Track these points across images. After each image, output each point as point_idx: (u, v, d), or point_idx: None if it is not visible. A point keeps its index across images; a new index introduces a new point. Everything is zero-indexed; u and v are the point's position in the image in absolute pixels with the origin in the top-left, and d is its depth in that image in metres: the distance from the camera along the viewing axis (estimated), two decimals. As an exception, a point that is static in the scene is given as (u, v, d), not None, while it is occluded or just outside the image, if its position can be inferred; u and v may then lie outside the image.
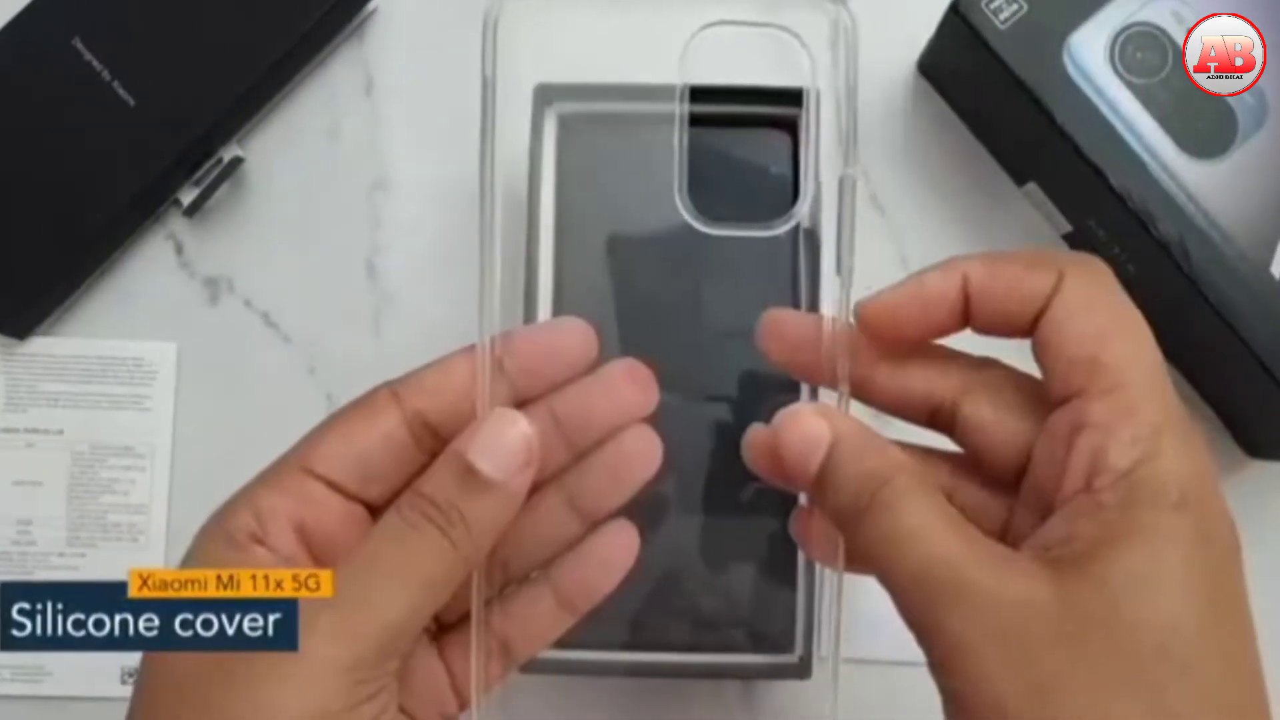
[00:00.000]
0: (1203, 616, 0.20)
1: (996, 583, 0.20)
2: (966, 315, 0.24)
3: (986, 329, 0.24)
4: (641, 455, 0.25)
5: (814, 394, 0.33)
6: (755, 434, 0.25)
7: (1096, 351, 0.21)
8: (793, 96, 0.35)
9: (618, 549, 0.25)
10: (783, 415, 0.23)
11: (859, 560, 0.23)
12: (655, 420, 0.30)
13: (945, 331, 0.24)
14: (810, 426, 0.23)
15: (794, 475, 0.23)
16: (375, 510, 0.25)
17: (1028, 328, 0.23)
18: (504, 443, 0.23)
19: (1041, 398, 0.23)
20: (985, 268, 0.23)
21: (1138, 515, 0.20)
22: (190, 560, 0.23)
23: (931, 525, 0.21)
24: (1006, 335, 0.24)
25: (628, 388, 0.25)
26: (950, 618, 0.20)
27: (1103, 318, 0.22)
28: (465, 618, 0.26)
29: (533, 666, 0.32)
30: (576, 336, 0.25)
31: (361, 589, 0.22)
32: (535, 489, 0.24)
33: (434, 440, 0.24)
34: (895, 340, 0.24)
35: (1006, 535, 0.24)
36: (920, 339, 0.25)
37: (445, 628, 0.26)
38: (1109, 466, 0.20)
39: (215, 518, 0.24)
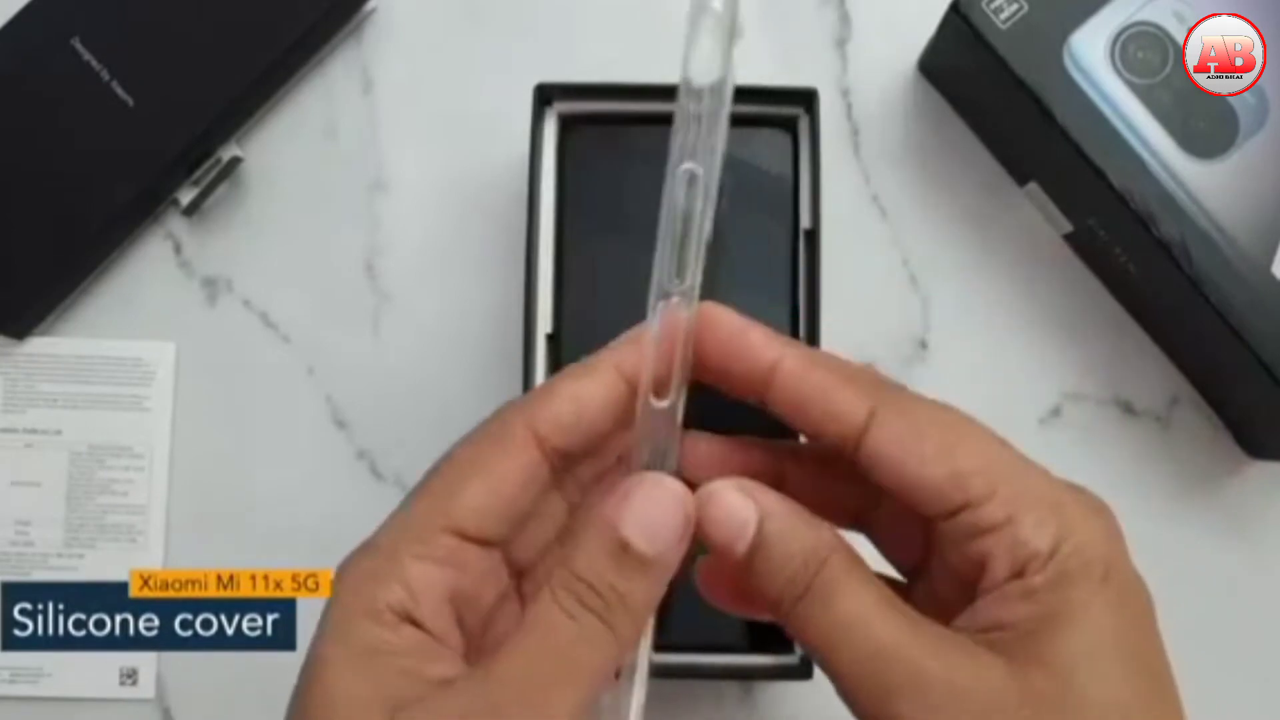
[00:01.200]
0: (1145, 690, 0.21)
1: (949, 670, 0.20)
2: (765, 387, 0.23)
3: (784, 416, 0.23)
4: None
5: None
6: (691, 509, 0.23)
7: (952, 466, 0.21)
8: (792, 97, 0.35)
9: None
10: (703, 493, 0.22)
11: (795, 637, 0.22)
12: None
13: (744, 382, 0.23)
14: (734, 505, 0.22)
15: (720, 555, 0.22)
16: (508, 552, 0.23)
17: (836, 437, 0.22)
18: (660, 516, 0.21)
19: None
20: (801, 363, 0.22)
21: (1070, 594, 0.20)
22: (334, 638, 0.21)
23: (873, 610, 0.21)
24: (812, 437, 0.23)
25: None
26: (905, 707, 0.20)
27: (939, 431, 0.22)
28: None
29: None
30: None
31: (528, 693, 0.20)
32: None
33: (565, 462, 0.23)
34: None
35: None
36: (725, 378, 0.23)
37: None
38: (1032, 553, 0.21)
39: (357, 585, 0.21)
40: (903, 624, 0.21)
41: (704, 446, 0.24)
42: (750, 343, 0.23)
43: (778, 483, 0.23)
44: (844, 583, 0.21)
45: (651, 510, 0.21)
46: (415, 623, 0.21)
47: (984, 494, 0.21)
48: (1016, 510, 0.21)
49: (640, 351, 0.23)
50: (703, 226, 0.22)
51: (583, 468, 0.24)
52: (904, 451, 0.21)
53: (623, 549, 0.21)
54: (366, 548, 0.22)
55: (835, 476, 0.24)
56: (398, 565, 0.21)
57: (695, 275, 0.22)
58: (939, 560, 0.23)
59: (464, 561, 0.21)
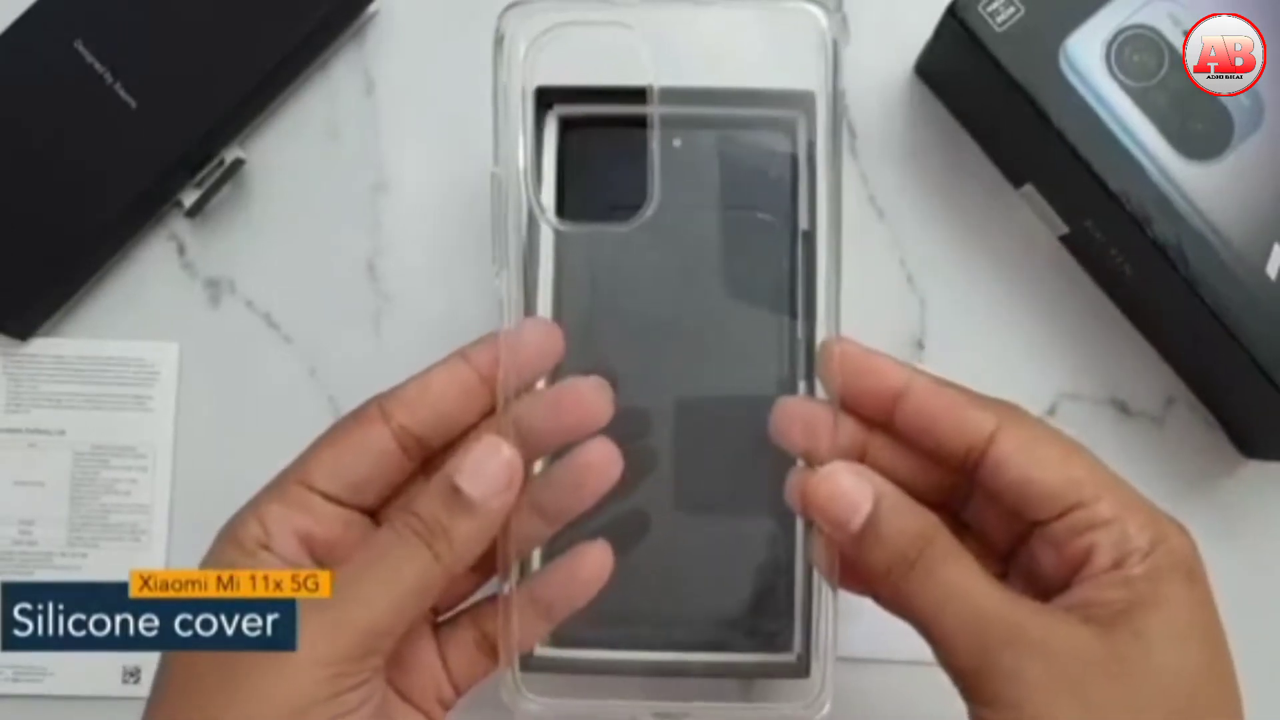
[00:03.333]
0: (1215, 671, 0.24)
1: (1047, 630, 0.23)
2: (893, 411, 0.26)
3: (908, 440, 0.27)
4: (599, 466, 0.27)
5: (810, 388, 0.34)
6: (796, 481, 0.26)
7: (1069, 473, 0.25)
8: (791, 99, 0.35)
9: (590, 567, 0.27)
10: (821, 475, 0.25)
11: (898, 607, 0.25)
12: (639, 424, 0.32)
13: (872, 409, 0.27)
14: (851, 486, 0.25)
15: (831, 529, 0.25)
16: (374, 515, 0.28)
17: (957, 457, 0.26)
18: (488, 468, 0.25)
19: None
20: (931, 384, 0.26)
21: (1160, 586, 0.24)
22: (206, 561, 0.26)
23: (975, 581, 0.24)
24: (932, 459, 0.27)
25: (589, 401, 0.27)
26: (1005, 657, 0.23)
27: (1050, 446, 0.26)
28: (467, 613, 0.29)
29: (532, 665, 0.32)
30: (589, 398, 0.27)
31: (350, 593, 0.25)
32: None
33: (420, 449, 0.27)
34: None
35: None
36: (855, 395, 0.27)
37: (443, 622, 0.29)
38: (1135, 548, 0.24)
39: (226, 528, 0.26)
40: (1002, 593, 0.24)
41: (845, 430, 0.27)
42: (878, 367, 0.27)
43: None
44: (948, 557, 0.25)
45: (481, 461, 0.25)
46: (269, 550, 0.25)
47: (1094, 496, 0.25)
48: (1122, 513, 0.25)
49: (492, 344, 0.28)
50: (508, 219, 0.29)
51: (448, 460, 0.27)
52: (1028, 459, 0.25)
53: (453, 491, 0.25)
54: (246, 504, 0.27)
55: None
56: (256, 509, 0.26)
57: (513, 260, 0.28)
58: (1023, 561, 0.27)
59: (311, 508, 0.26)
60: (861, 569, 0.26)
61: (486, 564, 0.27)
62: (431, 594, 0.25)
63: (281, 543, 0.26)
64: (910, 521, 0.25)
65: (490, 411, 0.27)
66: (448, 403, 0.27)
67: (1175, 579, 0.24)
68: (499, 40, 0.28)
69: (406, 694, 0.27)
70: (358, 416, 0.27)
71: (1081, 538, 0.25)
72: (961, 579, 0.24)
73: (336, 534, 0.26)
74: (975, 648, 0.24)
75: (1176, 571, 0.24)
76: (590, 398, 0.27)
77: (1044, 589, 0.26)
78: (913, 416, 0.26)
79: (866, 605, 0.27)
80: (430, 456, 0.27)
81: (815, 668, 0.32)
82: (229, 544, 0.26)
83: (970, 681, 0.24)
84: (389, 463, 0.27)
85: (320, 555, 0.26)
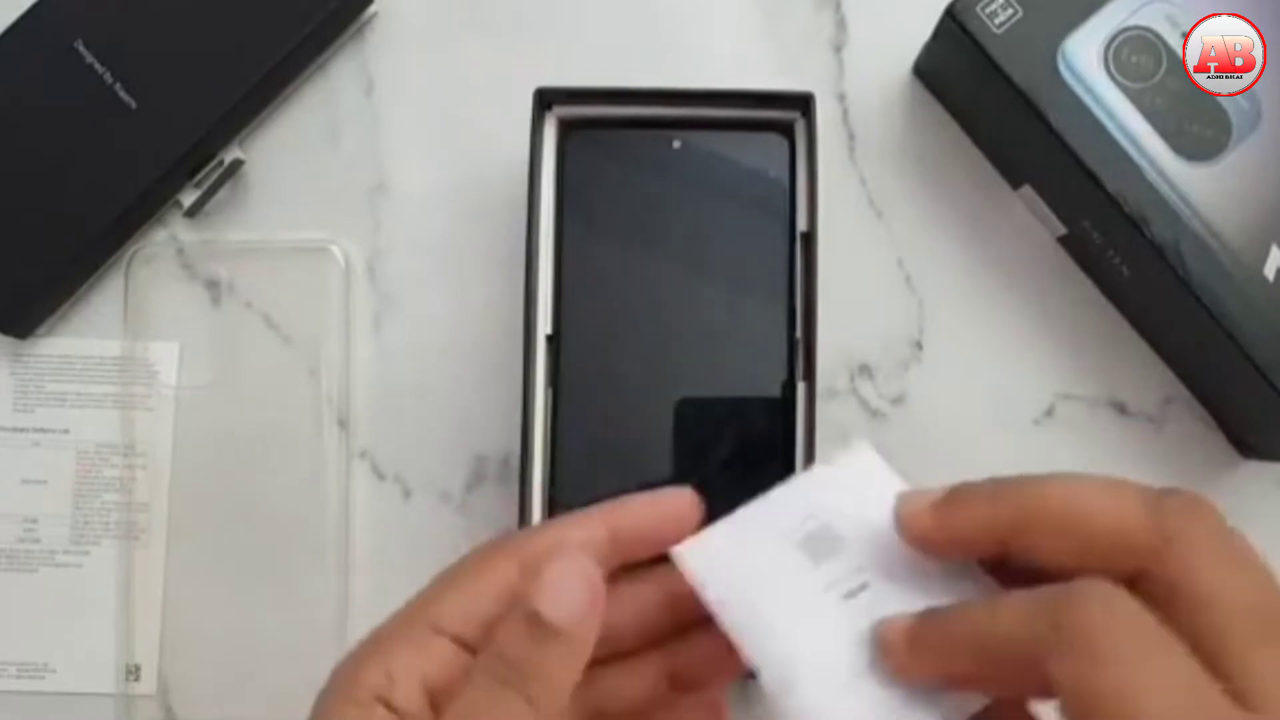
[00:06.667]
0: None
1: None
2: (1006, 546, 0.21)
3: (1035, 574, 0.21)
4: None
5: (810, 388, 0.34)
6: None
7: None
8: (789, 101, 0.35)
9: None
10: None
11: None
12: (639, 424, 0.30)
13: (978, 556, 0.23)
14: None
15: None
16: None
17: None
18: (567, 585, 0.23)
19: None
20: (1062, 496, 0.21)
21: None
22: (319, 715, 0.23)
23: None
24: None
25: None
26: None
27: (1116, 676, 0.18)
28: None
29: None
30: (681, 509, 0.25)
31: None
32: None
33: None
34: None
35: None
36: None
37: None
38: None
39: (349, 668, 0.23)
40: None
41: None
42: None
43: None
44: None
45: (560, 582, 0.23)
46: (389, 705, 0.23)
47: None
48: None
49: (630, 511, 0.25)
50: None
51: None
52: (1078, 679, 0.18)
53: (534, 621, 0.22)
54: (364, 640, 0.24)
55: None
56: (384, 651, 0.23)
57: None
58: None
59: (441, 655, 0.23)
60: None
61: None
62: None
63: (405, 693, 0.23)
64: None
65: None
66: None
67: None
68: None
69: None
70: (483, 559, 0.25)
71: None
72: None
73: (458, 680, 0.23)
74: None
75: None
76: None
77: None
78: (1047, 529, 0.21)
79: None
80: None
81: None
82: (341, 699, 0.23)
83: None
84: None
85: (442, 702, 0.23)
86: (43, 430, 0.39)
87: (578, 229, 0.35)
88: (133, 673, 0.38)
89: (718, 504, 0.24)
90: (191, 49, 0.38)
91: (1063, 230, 0.39)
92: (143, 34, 0.38)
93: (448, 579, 0.25)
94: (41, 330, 0.39)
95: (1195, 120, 0.35)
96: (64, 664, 0.38)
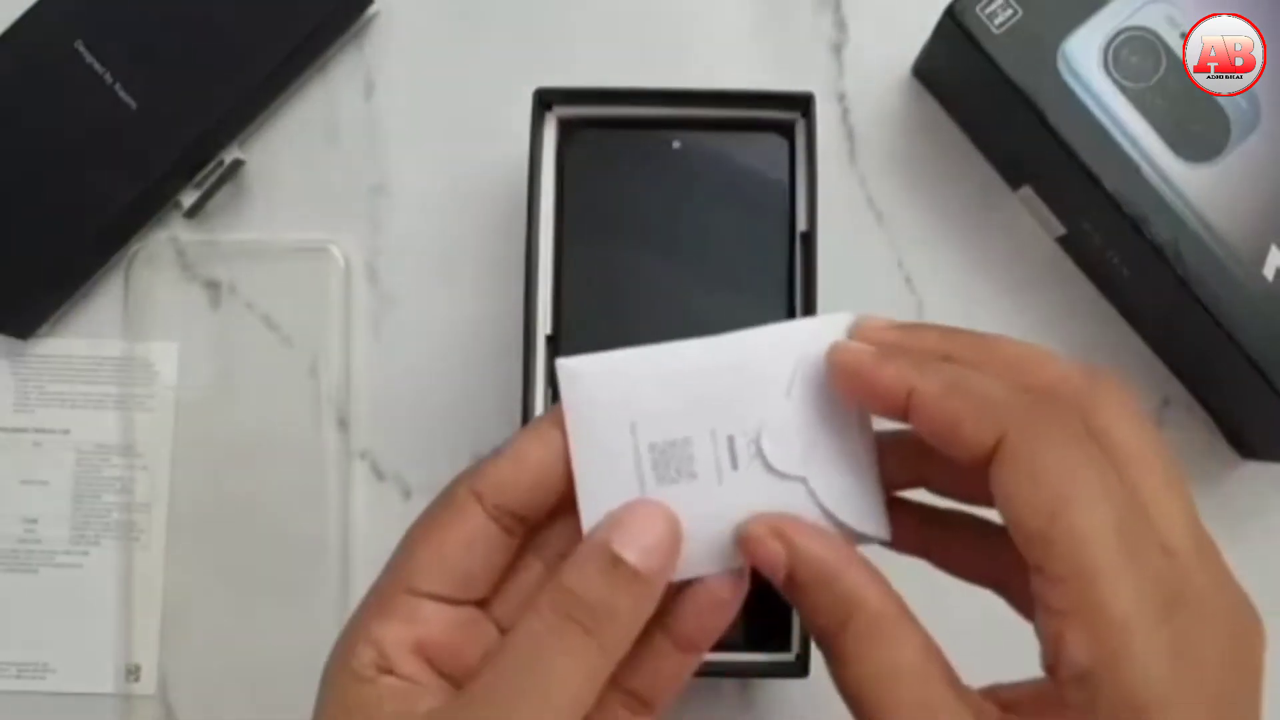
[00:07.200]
0: None
1: None
2: (906, 417, 0.22)
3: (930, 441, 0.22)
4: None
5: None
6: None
7: (1046, 528, 0.19)
8: (789, 101, 0.35)
9: (727, 589, 0.24)
10: (740, 530, 0.23)
11: (836, 678, 0.22)
12: None
13: (886, 415, 0.23)
14: (766, 551, 0.22)
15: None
16: (486, 605, 0.24)
17: (977, 468, 0.21)
18: (652, 531, 0.22)
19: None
20: (935, 391, 0.22)
21: None
22: (323, 706, 0.23)
23: (911, 666, 0.21)
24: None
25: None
26: None
27: (1057, 484, 0.20)
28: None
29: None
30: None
31: (511, 708, 0.21)
32: None
33: (522, 526, 0.24)
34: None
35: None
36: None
37: None
38: (1069, 660, 0.19)
39: (337, 659, 0.23)
40: (918, 697, 0.20)
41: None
42: (881, 378, 0.22)
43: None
44: (865, 642, 0.21)
45: (645, 526, 0.22)
46: (391, 673, 0.22)
47: (1056, 574, 0.19)
48: (1074, 611, 0.19)
49: None
50: None
51: (555, 531, 0.24)
52: (1013, 490, 0.20)
53: (615, 564, 0.21)
54: (349, 621, 0.23)
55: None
56: (365, 631, 0.23)
57: None
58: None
59: (424, 617, 0.23)
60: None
61: None
62: (598, 688, 0.21)
63: (402, 662, 0.22)
64: (827, 594, 0.22)
65: None
66: (546, 475, 0.23)
67: None
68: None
69: None
70: (449, 504, 0.23)
71: (1036, 612, 0.20)
72: (873, 672, 0.21)
73: (456, 637, 0.23)
74: None
75: (1119, 713, 0.19)
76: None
77: None
78: (920, 429, 0.22)
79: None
80: (532, 531, 0.24)
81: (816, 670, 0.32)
82: (345, 679, 0.22)
83: None
84: (493, 548, 0.23)
85: (443, 665, 0.23)
86: (43, 430, 0.39)
87: (578, 229, 0.35)
88: (133, 673, 0.38)
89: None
90: (192, 49, 0.38)
91: (1062, 231, 0.39)
92: (143, 34, 0.38)
93: (417, 535, 0.24)
94: (42, 330, 0.39)
95: (1195, 120, 0.35)
96: (64, 664, 0.38)
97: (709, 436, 0.23)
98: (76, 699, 0.38)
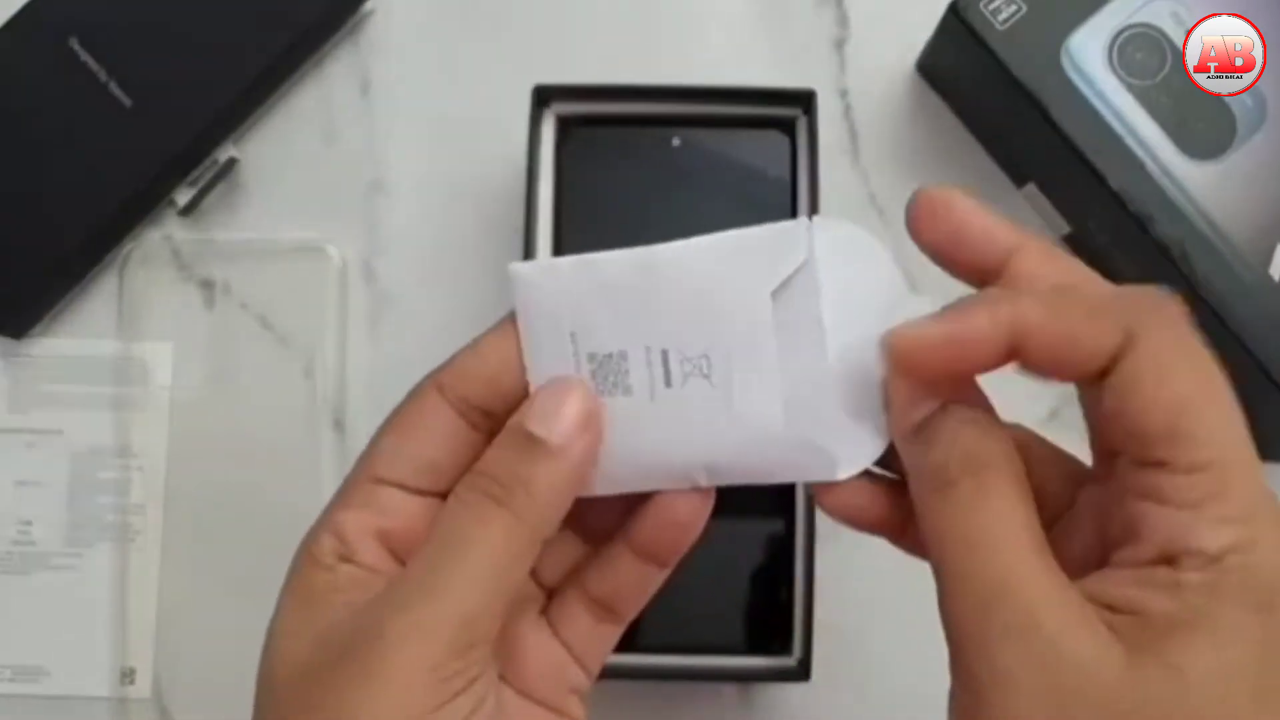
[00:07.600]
0: None
1: (1064, 633, 0.19)
2: (1012, 354, 0.21)
3: (1037, 373, 0.21)
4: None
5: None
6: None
7: (1178, 421, 0.19)
8: (791, 98, 0.35)
9: (680, 509, 0.24)
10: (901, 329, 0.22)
11: (923, 531, 0.21)
12: None
13: (985, 371, 0.22)
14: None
15: (895, 410, 0.22)
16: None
17: (1089, 379, 0.20)
18: (562, 408, 0.22)
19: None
20: (1041, 314, 0.20)
21: (1223, 610, 0.19)
22: (285, 590, 0.24)
23: (1010, 540, 0.20)
24: (1061, 382, 0.21)
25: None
26: (1003, 648, 0.19)
27: (1183, 382, 0.20)
28: (570, 582, 0.25)
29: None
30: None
31: (430, 582, 0.22)
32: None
33: (487, 420, 0.24)
34: (928, 379, 0.22)
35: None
36: (953, 378, 0.22)
37: (552, 596, 0.26)
38: (1197, 548, 0.19)
39: (301, 548, 0.24)
40: (1035, 563, 0.20)
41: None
42: (973, 334, 0.21)
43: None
44: (994, 495, 0.20)
45: (552, 401, 0.23)
46: (351, 561, 0.23)
47: (1187, 465, 0.19)
48: (1207, 500, 0.19)
49: None
50: None
51: None
52: (1139, 388, 0.19)
53: (527, 439, 0.22)
54: (319, 516, 0.24)
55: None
56: (328, 520, 0.23)
57: None
58: (1081, 513, 0.22)
59: (386, 505, 0.23)
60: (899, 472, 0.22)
61: (582, 523, 0.25)
62: (522, 561, 0.22)
63: (362, 550, 0.23)
64: (970, 439, 0.21)
65: None
66: (505, 369, 0.24)
67: (1242, 604, 0.18)
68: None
69: (531, 692, 0.25)
70: (415, 397, 0.24)
71: (1140, 506, 0.19)
72: (994, 526, 0.20)
73: (419, 527, 0.23)
74: (975, 615, 0.19)
75: (1247, 595, 0.18)
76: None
77: (1084, 557, 0.21)
78: (1037, 360, 0.21)
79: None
80: (497, 428, 0.24)
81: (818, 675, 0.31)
82: (308, 565, 0.23)
83: (956, 649, 0.20)
84: (458, 440, 0.24)
85: (406, 555, 0.23)
86: (37, 431, 0.39)
87: (576, 228, 0.35)
88: (128, 676, 0.38)
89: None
90: (187, 47, 0.38)
91: (1067, 229, 0.39)
92: (138, 32, 0.38)
93: (385, 427, 0.24)
94: (36, 330, 0.39)
95: (1200, 118, 0.35)
96: (59, 667, 0.38)
97: (643, 353, 0.23)
98: (71, 702, 0.38)
